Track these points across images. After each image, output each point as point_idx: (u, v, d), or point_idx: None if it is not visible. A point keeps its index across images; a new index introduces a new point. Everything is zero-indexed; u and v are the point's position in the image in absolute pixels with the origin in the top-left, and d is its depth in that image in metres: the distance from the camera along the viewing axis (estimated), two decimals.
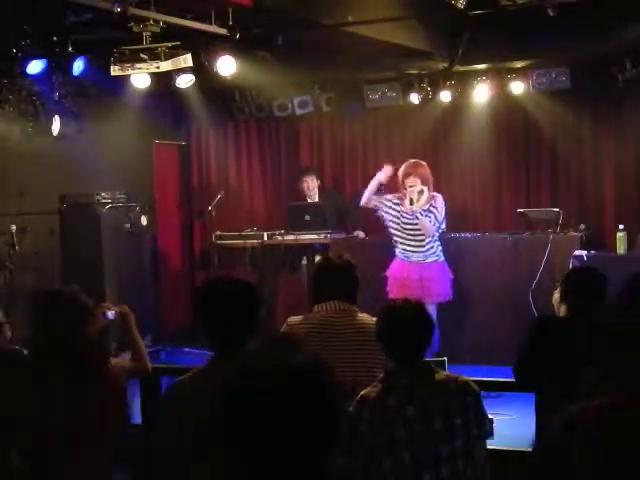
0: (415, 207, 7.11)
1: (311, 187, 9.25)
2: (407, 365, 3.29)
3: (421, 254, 7.21)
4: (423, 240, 7.19)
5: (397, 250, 7.33)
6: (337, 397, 1.53)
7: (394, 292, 7.11)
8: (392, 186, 7.50)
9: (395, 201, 7.25)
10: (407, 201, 7.14)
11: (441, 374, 3.33)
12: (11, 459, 3.20)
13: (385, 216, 7.33)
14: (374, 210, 7.48)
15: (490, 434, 3.33)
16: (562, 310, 4.11)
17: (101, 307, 4.10)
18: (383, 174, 7.40)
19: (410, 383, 3.24)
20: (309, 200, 9.26)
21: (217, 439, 1.49)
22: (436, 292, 7.16)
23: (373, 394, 3.25)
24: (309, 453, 1.47)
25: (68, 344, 3.30)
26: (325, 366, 1.53)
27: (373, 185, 7.43)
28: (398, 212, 7.24)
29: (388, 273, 7.35)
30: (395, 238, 7.32)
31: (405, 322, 3.31)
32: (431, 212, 7.14)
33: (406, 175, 7.16)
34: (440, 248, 7.30)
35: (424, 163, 7.34)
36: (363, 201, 7.46)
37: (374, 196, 7.39)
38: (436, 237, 7.25)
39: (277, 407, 1.44)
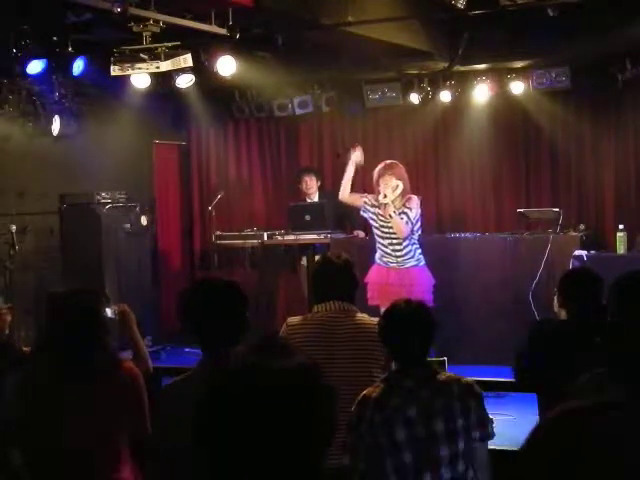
0: (387, 200, 6.90)
1: (310, 186, 9.22)
2: (410, 365, 3.28)
3: (399, 259, 7.00)
4: (400, 244, 6.98)
5: (376, 255, 7.14)
6: (327, 401, 1.52)
7: (375, 298, 6.89)
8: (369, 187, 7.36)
9: (373, 202, 7.07)
10: (381, 196, 6.93)
11: (444, 375, 3.33)
12: (13, 458, 3.19)
13: (365, 216, 7.23)
14: (359, 210, 7.32)
15: (491, 435, 3.33)
16: (562, 315, 4.11)
17: None
18: (356, 157, 7.23)
19: (413, 383, 3.23)
20: (308, 200, 9.25)
21: (203, 441, 1.49)
22: (416, 298, 6.82)
23: (375, 394, 3.25)
24: (295, 455, 1.47)
25: (83, 345, 3.29)
26: (316, 369, 1.52)
27: (349, 173, 7.24)
28: (375, 214, 7.07)
29: (367, 279, 7.02)
30: (376, 240, 7.17)
31: (407, 322, 3.31)
32: (404, 213, 6.93)
33: (380, 175, 6.97)
34: (419, 251, 7.05)
35: (399, 164, 7.16)
36: (342, 193, 7.28)
37: (356, 195, 7.26)
38: (414, 240, 7.03)
39: (262, 410, 1.44)
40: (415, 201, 7.02)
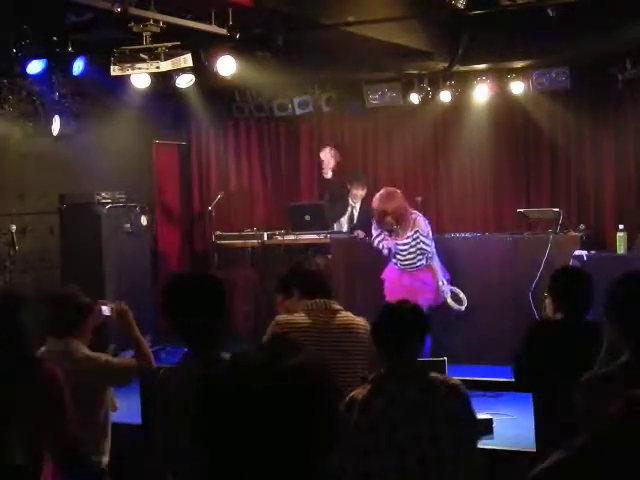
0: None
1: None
2: (398, 366, 3.27)
3: (412, 266, 7.29)
4: (414, 257, 7.27)
5: (391, 258, 7.43)
6: (334, 399, 1.52)
7: (390, 295, 7.20)
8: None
9: (380, 238, 7.32)
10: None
11: (430, 376, 3.30)
12: None
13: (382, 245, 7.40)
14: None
15: (480, 434, 3.32)
16: (558, 316, 4.11)
17: (97, 304, 4.09)
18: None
19: (399, 384, 3.22)
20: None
21: (208, 439, 1.49)
22: (427, 297, 7.15)
23: (361, 395, 3.24)
24: (304, 455, 1.46)
25: None
26: (324, 368, 1.52)
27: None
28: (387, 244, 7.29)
29: (384, 276, 7.46)
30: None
31: (399, 323, 3.30)
32: (417, 239, 7.18)
33: (383, 213, 7.17)
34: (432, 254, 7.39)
35: (397, 192, 7.29)
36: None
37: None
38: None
39: (271, 409, 1.44)
40: (422, 223, 7.24)
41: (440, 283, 7.35)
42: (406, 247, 7.23)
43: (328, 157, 9.32)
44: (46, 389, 3.23)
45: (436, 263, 7.35)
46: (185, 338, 3.04)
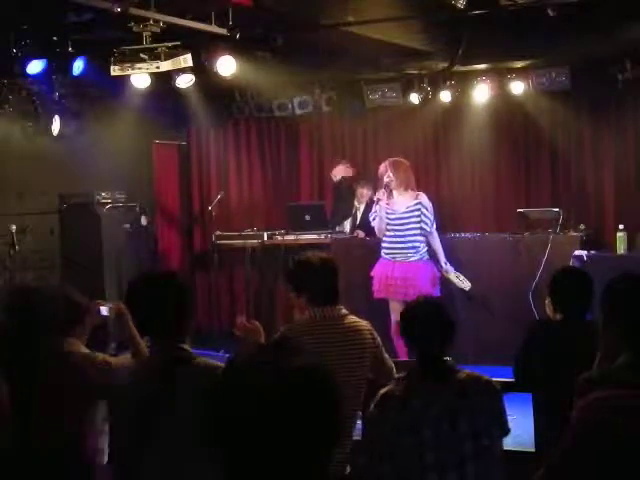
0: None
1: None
2: (429, 364, 3.28)
3: (405, 251, 7.24)
4: (405, 237, 7.23)
5: (382, 250, 7.37)
6: (336, 400, 1.52)
7: (381, 292, 7.23)
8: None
9: (378, 211, 7.31)
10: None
11: (463, 373, 3.31)
12: None
13: (376, 221, 7.37)
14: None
15: (508, 432, 3.36)
16: (558, 317, 4.12)
17: (95, 304, 4.10)
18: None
19: (433, 383, 3.23)
20: (356, 205, 9.12)
21: (210, 439, 1.49)
22: (419, 291, 7.13)
23: (397, 393, 3.23)
24: (304, 455, 1.46)
25: (23, 344, 3.25)
26: (325, 368, 1.52)
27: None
28: (385, 215, 7.28)
29: (373, 273, 7.40)
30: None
31: (427, 321, 3.31)
32: (419, 211, 7.21)
33: (386, 168, 7.31)
34: (426, 248, 7.31)
35: (405, 162, 7.46)
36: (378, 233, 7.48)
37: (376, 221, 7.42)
38: (420, 235, 7.30)
39: (274, 409, 1.44)
40: (426, 199, 7.31)
41: (443, 263, 7.36)
42: (405, 216, 7.19)
43: (344, 171, 9.25)
44: (73, 384, 3.26)
45: (436, 241, 7.32)
46: (146, 332, 3.11)
